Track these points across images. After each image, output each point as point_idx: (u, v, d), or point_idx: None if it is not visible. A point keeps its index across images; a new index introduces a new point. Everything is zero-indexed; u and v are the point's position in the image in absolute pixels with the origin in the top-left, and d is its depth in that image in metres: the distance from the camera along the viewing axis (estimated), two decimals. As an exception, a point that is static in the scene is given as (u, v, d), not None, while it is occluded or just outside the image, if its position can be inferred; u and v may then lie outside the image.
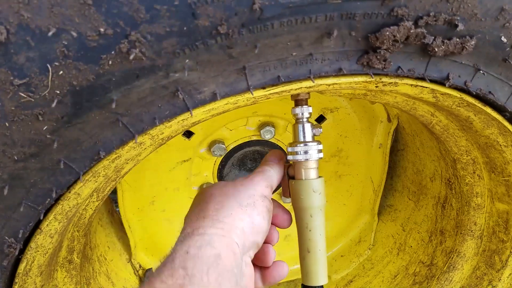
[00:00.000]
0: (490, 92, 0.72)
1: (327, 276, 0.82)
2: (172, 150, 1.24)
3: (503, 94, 0.75)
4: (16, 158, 0.52)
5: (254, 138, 1.28)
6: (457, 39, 0.63)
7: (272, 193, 0.73)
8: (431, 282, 1.25)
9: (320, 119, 1.29)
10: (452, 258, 1.20)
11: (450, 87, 0.70)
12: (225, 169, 1.33)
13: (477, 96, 0.73)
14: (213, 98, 0.59)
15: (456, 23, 0.60)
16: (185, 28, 0.50)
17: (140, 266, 1.30)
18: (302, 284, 0.84)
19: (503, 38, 0.65)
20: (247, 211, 0.61)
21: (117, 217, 1.29)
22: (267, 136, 1.24)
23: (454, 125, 0.93)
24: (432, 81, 0.69)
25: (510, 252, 1.06)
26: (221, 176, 1.34)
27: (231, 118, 1.21)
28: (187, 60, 0.53)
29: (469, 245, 1.16)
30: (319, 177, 0.79)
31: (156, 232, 1.33)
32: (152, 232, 1.32)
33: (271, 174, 0.72)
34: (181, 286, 0.46)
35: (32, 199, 0.56)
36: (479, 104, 0.75)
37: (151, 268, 1.29)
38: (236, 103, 0.64)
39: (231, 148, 1.29)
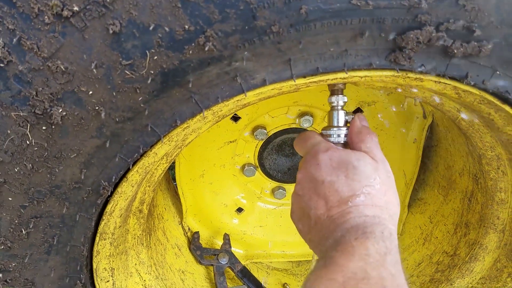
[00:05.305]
0: (506, 91, 0.81)
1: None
2: (221, 131, 1.42)
3: (520, 94, 0.83)
4: (117, 120, 0.70)
5: (293, 126, 1.41)
6: (475, 43, 0.73)
7: None
8: (453, 271, 1.33)
9: (357, 111, 1.40)
10: (474, 249, 1.28)
11: (469, 85, 0.80)
12: (265, 152, 1.49)
13: (494, 94, 0.83)
14: (263, 83, 0.73)
15: (474, 29, 0.71)
16: (246, 27, 0.65)
17: (189, 228, 1.50)
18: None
19: (519, 44, 0.74)
20: None
21: (172, 186, 1.49)
22: (306, 125, 1.38)
23: (478, 121, 1.02)
24: (453, 78, 0.79)
25: (531, 247, 1.12)
26: (261, 158, 1.49)
27: (273, 106, 1.36)
28: (245, 52, 0.68)
29: (492, 238, 1.23)
30: None
31: (203, 201, 1.52)
32: (200, 201, 1.51)
33: None
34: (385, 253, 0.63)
35: (124, 153, 0.74)
36: (498, 102, 0.84)
37: (198, 231, 1.49)
38: (281, 89, 0.78)
39: (271, 133, 1.43)
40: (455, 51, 0.73)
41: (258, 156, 1.49)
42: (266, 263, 1.64)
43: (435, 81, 0.80)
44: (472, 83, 0.79)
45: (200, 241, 1.46)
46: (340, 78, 0.77)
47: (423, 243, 1.49)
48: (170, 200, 1.46)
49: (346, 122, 0.92)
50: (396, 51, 0.73)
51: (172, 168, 1.53)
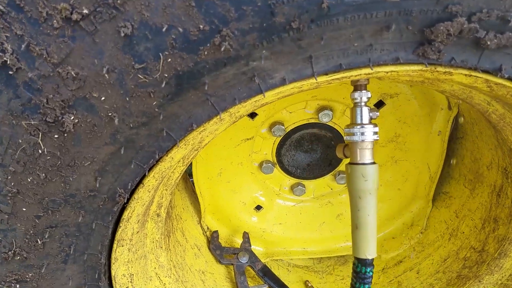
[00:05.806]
0: (543, 83, 0.76)
1: (375, 252, 0.89)
2: (237, 129, 1.38)
3: (557, 86, 0.78)
4: (131, 126, 0.67)
5: (312, 121, 1.37)
6: (510, 34, 0.68)
7: None
8: (481, 268, 1.28)
9: (379, 104, 1.35)
10: (504, 245, 1.22)
11: (503, 77, 0.74)
12: (283, 148, 1.45)
13: (531, 87, 0.77)
14: (282, 82, 0.70)
15: (509, 18, 0.65)
16: (264, 24, 0.61)
17: (207, 228, 1.48)
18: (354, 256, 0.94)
19: (557, 33, 0.69)
20: None
21: (190, 184, 1.47)
22: (325, 120, 1.33)
23: (510, 114, 0.96)
24: (485, 71, 0.74)
25: None
26: (279, 154, 1.46)
27: (291, 101, 1.32)
28: (264, 51, 0.65)
29: (523, 234, 1.18)
30: (373, 162, 0.86)
31: (221, 200, 1.50)
32: (218, 200, 1.49)
33: None
34: None
35: (139, 159, 0.72)
36: (534, 95, 0.79)
37: (217, 230, 1.47)
38: (301, 87, 0.74)
39: (290, 129, 1.40)
40: (488, 42, 0.68)
41: (276, 153, 1.46)
42: (287, 260, 1.62)
43: (466, 75, 0.75)
44: (506, 75, 0.74)
45: (219, 240, 1.44)
46: (364, 74, 0.72)
47: (449, 238, 1.44)
48: (188, 199, 1.45)
49: (370, 118, 0.88)
50: (424, 44, 0.68)
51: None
